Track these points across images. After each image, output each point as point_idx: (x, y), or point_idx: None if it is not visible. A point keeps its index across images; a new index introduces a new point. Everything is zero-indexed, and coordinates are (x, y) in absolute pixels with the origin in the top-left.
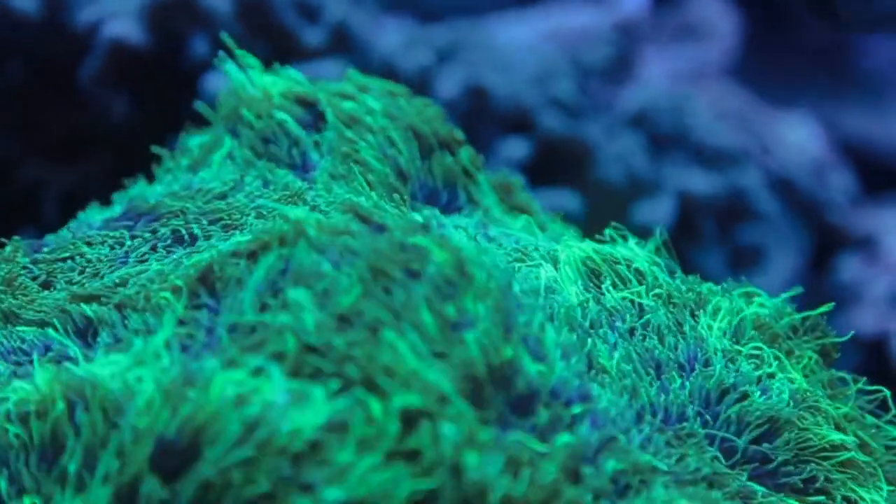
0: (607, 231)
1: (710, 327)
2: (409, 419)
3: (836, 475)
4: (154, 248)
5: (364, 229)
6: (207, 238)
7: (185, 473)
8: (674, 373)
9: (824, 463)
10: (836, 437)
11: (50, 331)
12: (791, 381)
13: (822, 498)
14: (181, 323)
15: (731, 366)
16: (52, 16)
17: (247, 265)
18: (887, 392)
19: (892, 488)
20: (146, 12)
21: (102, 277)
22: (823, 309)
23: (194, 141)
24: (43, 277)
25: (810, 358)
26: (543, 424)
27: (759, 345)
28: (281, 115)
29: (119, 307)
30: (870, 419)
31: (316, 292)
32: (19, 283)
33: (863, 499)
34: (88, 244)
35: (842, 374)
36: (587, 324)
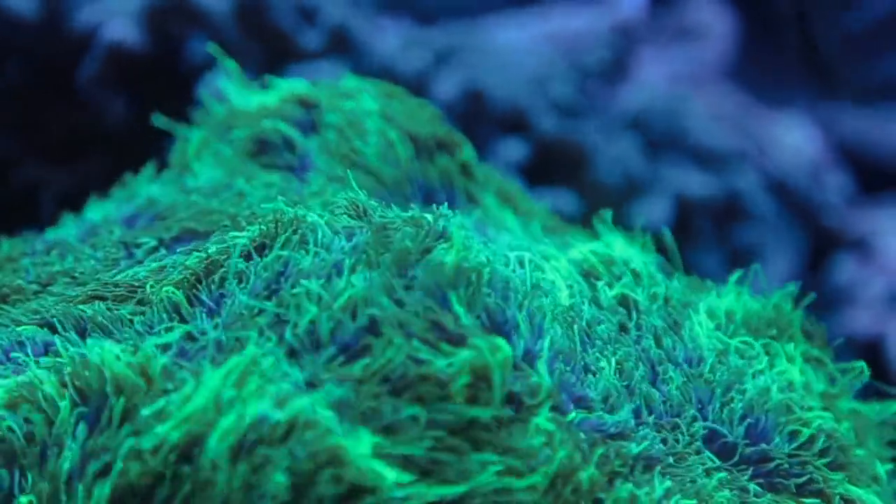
0: (604, 219)
1: (704, 325)
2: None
3: (833, 475)
4: (152, 247)
5: (366, 227)
6: (204, 237)
7: (175, 474)
8: (669, 372)
9: (819, 462)
10: (828, 423)
11: (49, 331)
12: (781, 373)
13: (817, 501)
14: (181, 321)
15: (724, 363)
16: (50, 17)
17: (247, 264)
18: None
19: (890, 467)
20: (144, 14)
21: (103, 276)
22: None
23: (188, 143)
24: (43, 277)
25: (793, 337)
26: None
27: (750, 339)
28: (277, 119)
29: (119, 306)
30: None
31: (314, 291)
32: (16, 291)
33: (860, 498)
34: (91, 245)
35: (828, 359)
36: (584, 324)
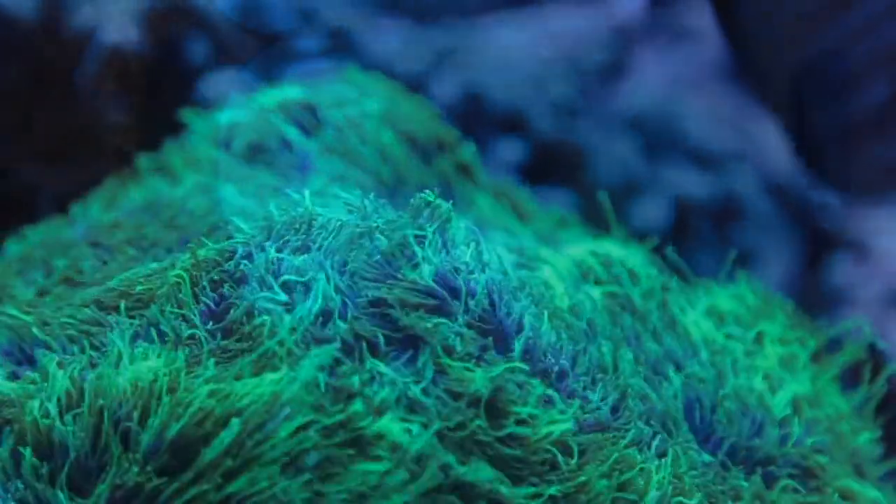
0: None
1: (699, 324)
2: None
3: (830, 469)
4: (150, 247)
5: (371, 226)
6: (202, 237)
7: (176, 475)
8: (666, 372)
9: (812, 455)
10: (818, 412)
11: (47, 332)
12: (772, 364)
13: (814, 498)
14: (185, 321)
15: (718, 361)
16: (48, 19)
17: (247, 263)
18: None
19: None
20: (143, 16)
21: (100, 276)
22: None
23: (184, 147)
24: (41, 279)
25: (780, 322)
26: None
27: (743, 334)
28: (276, 121)
29: (119, 305)
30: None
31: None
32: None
33: (858, 491)
34: (91, 244)
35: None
36: (583, 325)
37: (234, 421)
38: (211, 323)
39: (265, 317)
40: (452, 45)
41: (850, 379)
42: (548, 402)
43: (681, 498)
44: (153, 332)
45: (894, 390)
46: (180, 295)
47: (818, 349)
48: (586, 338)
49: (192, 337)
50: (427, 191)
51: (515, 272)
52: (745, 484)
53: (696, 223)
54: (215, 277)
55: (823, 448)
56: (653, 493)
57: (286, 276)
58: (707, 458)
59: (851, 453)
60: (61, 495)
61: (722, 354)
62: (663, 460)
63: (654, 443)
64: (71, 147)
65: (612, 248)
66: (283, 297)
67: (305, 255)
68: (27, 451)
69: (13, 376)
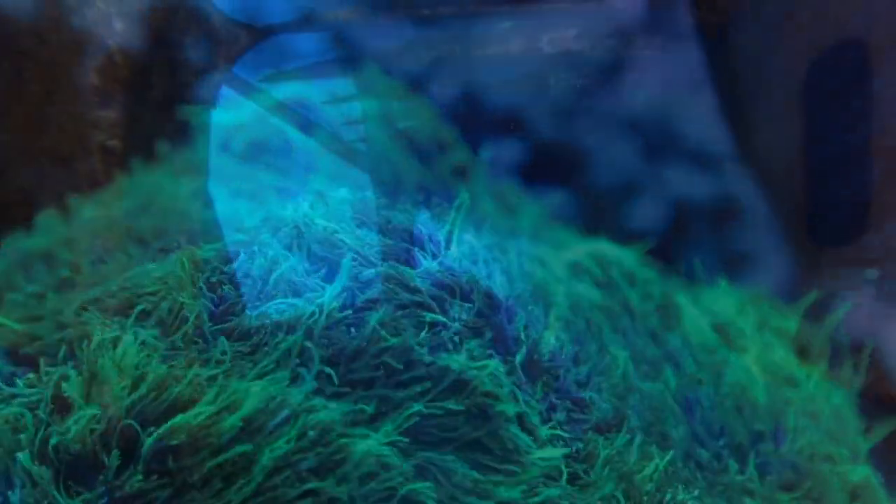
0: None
1: (696, 324)
2: None
3: (829, 459)
4: (148, 247)
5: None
6: (202, 237)
7: (180, 472)
8: (664, 371)
9: (809, 448)
10: (810, 406)
11: (47, 333)
12: (766, 360)
13: (809, 486)
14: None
15: (714, 360)
16: (47, 18)
17: (248, 263)
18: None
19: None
20: (143, 15)
21: (100, 276)
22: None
23: (182, 148)
24: (39, 282)
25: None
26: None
27: (739, 334)
28: (275, 121)
29: (116, 309)
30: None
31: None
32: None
33: (852, 478)
34: (91, 242)
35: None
36: (582, 325)
37: (234, 420)
38: (211, 324)
39: (265, 318)
40: (453, 45)
41: (837, 368)
42: (551, 408)
43: (678, 494)
44: (154, 332)
45: (882, 381)
46: (181, 295)
47: (809, 342)
48: (586, 338)
49: (193, 338)
50: (427, 191)
51: (516, 272)
52: (741, 479)
53: (696, 224)
54: (214, 279)
55: (816, 440)
56: (650, 490)
57: (287, 278)
58: (704, 454)
59: (841, 439)
60: (60, 498)
61: (718, 353)
62: (661, 457)
63: (652, 440)
64: (68, 147)
65: (610, 249)
66: (284, 298)
67: (305, 256)
68: (27, 453)
69: (12, 377)
